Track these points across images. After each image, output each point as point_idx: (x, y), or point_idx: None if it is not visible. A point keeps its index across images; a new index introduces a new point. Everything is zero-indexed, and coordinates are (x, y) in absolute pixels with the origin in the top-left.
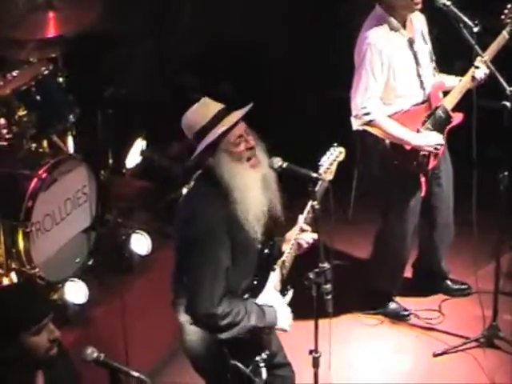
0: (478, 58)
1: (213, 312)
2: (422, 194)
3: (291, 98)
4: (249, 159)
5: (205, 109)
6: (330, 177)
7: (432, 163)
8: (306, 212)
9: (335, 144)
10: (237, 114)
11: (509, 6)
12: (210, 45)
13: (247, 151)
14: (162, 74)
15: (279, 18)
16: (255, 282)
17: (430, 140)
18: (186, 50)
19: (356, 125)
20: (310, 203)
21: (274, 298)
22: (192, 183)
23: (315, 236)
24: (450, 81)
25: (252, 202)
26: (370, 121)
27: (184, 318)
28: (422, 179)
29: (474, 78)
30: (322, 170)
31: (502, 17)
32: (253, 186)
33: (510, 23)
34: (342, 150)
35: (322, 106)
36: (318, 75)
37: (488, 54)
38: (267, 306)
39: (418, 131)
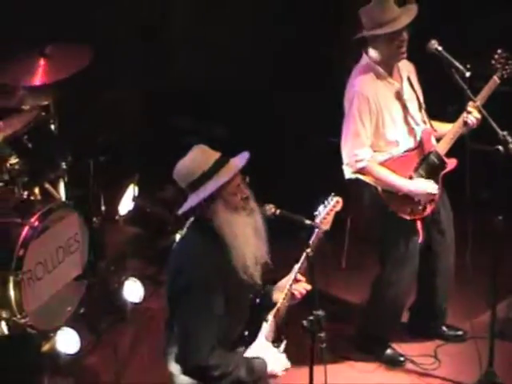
0: (470, 103)
1: (204, 364)
2: (420, 240)
3: (292, 143)
4: (243, 208)
5: (202, 157)
6: (326, 227)
7: (428, 209)
8: (300, 261)
9: (332, 194)
10: (236, 164)
11: (499, 51)
12: (204, 88)
13: (243, 201)
14: (154, 117)
15: (276, 62)
16: (246, 333)
17: (421, 186)
18: (180, 92)
19: (348, 173)
20: (305, 252)
21: (265, 349)
22: (185, 230)
23: (308, 287)
24: (442, 127)
25: (248, 250)
26: (362, 168)
27: (174, 368)
28: (419, 225)
29: (466, 122)
30: (318, 220)
31: (493, 62)
32: (248, 234)
33: (500, 68)
34: (339, 199)
35: (322, 153)
36: (318, 122)
37: (480, 99)
38: (257, 359)
39: (410, 177)
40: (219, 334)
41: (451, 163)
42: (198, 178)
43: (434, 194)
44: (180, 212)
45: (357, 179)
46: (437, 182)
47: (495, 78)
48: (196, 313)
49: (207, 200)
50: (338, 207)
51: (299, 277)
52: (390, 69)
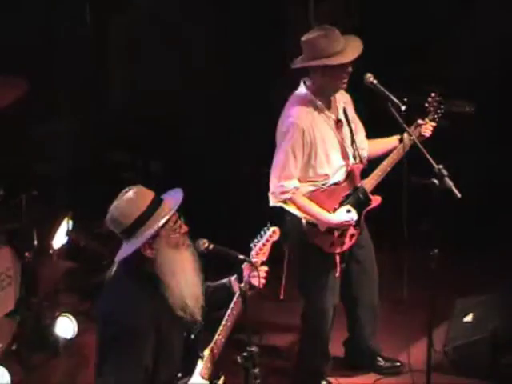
0: (406, 136)
1: None
2: (337, 274)
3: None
4: (183, 243)
5: (134, 202)
6: (263, 258)
7: (347, 244)
8: (236, 296)
9: (268, 223)
10: (170, 205)
11: (432, 94)
12: (139, 122)
13: (182, 236)
14: (90, 151)
15: (212, 94)
16: (179, 375)
17: (343, 218)
18: (116, 126)
19: (273, 201)
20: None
21: None
22: (113, 271)
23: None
24: (378, 144)
25: (188, 287)
26: (287, 199)
27: None
28: (337, 259)
29: (423, 135)
30: (254, 252)
31: (426, 104)
32: (188, 270)
33: (433, 112)
34: (275, 229)
35: (256, 182)
36: (252, 151)
37: (415, 134)
38: None
39: (335, 210)
40: (153, 379)
41: (376, 200)
42: (132, 224)
43: (356, 228)
44: (117, 259)
45: (281, 208)
46: (359, 217)
47: (427, 120)
48: (124, 364)
49: (148, 241)
50: (275, 237)
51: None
52: (328, 100)
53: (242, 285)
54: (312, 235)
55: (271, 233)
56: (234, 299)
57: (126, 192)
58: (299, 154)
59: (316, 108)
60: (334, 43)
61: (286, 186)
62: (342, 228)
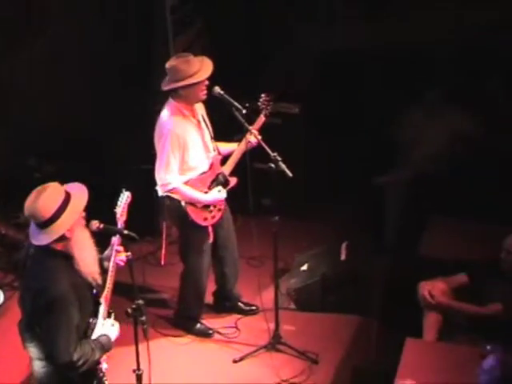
0: (249, 131)
1: (70, 360)
2: (211, 240)
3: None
4: (85, 225)
5: (50, 198)
6: (123, 218)
7: (217, 217)
8: (114, 248)
9: (123, 189)
10: (79, 196)
11: (262, 95)
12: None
13: (84, 219)
14: (9, 158)
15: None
16: (91, 320)
17: (215, 196)
18: (32, 135)
19: (161, 192)
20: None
21: (105, 326)
22: (31, 251)
23: (127, 254)
24: (226, 146)
25: (92, 258)
26: (172, 189)
27: (37, 365)
28: (210, 229)
29: (249, 142)
30: (118, 215)
31: (258, 103)
32: (90, 244)
33: (264, 108)
34: (129, 194)
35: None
36: (132, 151)
37: (255, 128)
38: (103, 336)
39: (206, 192)
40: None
41: (233, 181)
42: (51, 217)
43: (222, 201)
44: (37, 243)
45: (167, 196)
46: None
47: (261, 116)
48: (60, 325)
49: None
50: (129, 199)
51: (119, 249)
52: (192, 109)
53: (129, 253)
54: (191, 213)
55: (126, 197)
56: (111, 260)
57: (45, 189)
58: (176, 154)
59: (184, 116)
60: (191, 66)
61: (170, 179)
62: (216, 203)
